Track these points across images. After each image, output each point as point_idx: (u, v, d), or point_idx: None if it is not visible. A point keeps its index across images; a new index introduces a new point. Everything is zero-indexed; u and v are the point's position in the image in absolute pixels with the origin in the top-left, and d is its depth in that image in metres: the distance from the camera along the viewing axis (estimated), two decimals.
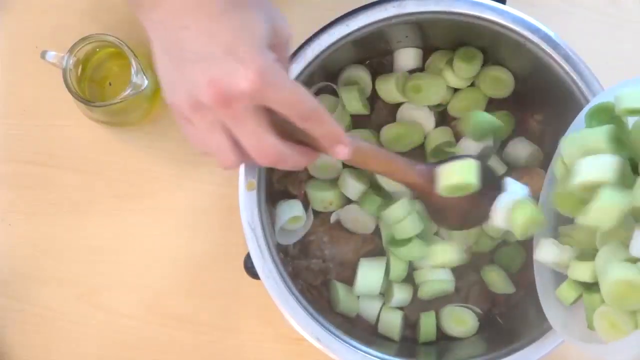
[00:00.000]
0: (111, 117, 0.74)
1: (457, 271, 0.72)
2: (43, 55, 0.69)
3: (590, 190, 0.52)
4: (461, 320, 0.71)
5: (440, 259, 0.69)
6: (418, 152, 0.73)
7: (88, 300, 0.76)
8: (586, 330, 0.55)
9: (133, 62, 0.68)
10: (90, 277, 0.76)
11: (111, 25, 0.77)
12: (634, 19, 0.79)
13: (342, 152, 0.55)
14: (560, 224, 0.61)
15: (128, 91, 0.68)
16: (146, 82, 0.69)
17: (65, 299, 0.76)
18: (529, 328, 0.66)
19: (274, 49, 0.51)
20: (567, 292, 0.58)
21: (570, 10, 0.79)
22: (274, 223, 0.70)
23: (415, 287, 0.72)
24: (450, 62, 0.73)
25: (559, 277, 0.60)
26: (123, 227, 0.77)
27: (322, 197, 0.72)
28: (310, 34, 0.66)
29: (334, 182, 0.73)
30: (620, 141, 0.54)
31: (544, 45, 0.66)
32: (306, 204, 0.73)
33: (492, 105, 0.74)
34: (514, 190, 0.62)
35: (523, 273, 0.72)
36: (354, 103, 0.72)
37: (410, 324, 0.73)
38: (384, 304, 0.72)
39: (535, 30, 0.66)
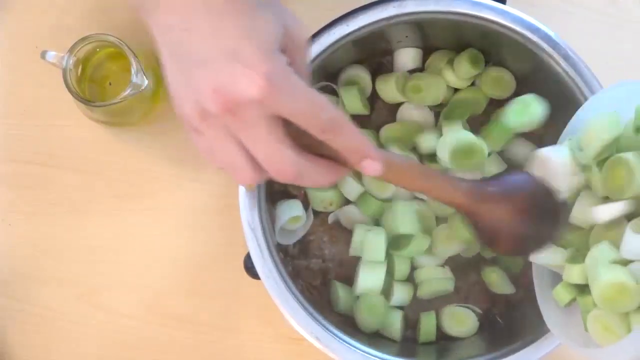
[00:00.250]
0: (111, 117, 0.74)
1: (457, 271, 0.72)
2: (43, 55, 0.69)
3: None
4: (461, 320, 0.71)
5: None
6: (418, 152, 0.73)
7: (88, 300, 0.76)
8: (583, 333, 0.55)
9: (133, 62, 0.68)
10: (90, 277, 0.76)
11: (111, 25, 0.77)
12: (634, 19, 0.79)
13: (372, 167, 0.49)
14: None
15: (128, 91, 0.68)
16: (146, 82, 0.69)
17: (65, 299, 0.76)
18: (528, 328, 0.66)
19: (286, 53, 0.47)
20: (562, 293, 0.57)
21: (570, 10, 0.79)
22: (274, 223, 0.70)
23: (415, 287, 0.72)
24: (450, 62, 0.73)
25: (557, 278, 0.60)
26: (123, 227, 0.77)
27: (322, 197, 0.72)
28: (311, 34, 0.66)
29: None
30: None
31: (544, 45, 0.66)
32: (306, 204, 0.73)
33: (492, 105, 0.74)
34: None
35: (523, 274, 0.72)
36: (354, 103, 0.72)
37: (411, 324, 0.73)
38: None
39: (535, 30, 0.66)
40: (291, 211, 0.70)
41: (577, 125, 0.59)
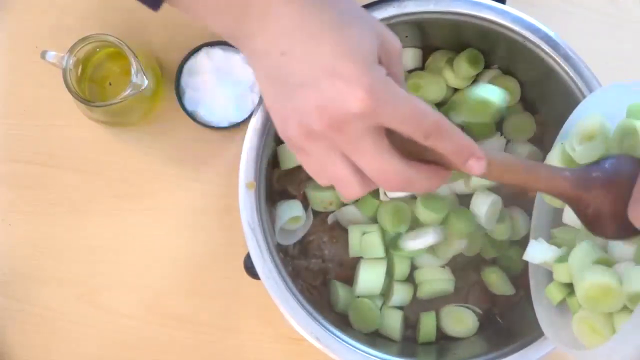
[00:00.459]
0: (111, 117, 0.74)
1: (457, 271, 0.72)
2: (43, 55, 0.69)
3: None
4: (461, 320, 0.71)
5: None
6: None
7: (88, 300, 0.76)
8: (574, 335, 0.55)
9: (133, 62, 0.68)
10: (90, 277, 0.76)
11: (111, 25, 0.77)
12: (634, 19, 0.79)
13: (476, 166, 0.48)
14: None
15: (128, 91, 0.68)
16: (146, 82, 0.69)
17: (65, 299, 0.76)
18: (528, 328, 0.65)
19: (383, 64, 0.47)
20: (554, 292, 0.57)
21: (570, 10, 0.79)
22: (274, 223, 0.70)
23: (415, 287, 0.72)
24: (450, 62, 0.73)
25: (552, 278, 0.60)
26: (123, 227, 0.77)
27: (322, 197, 0.72)
28: None
29: None
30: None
31: (543, 45, 0.66)
32: (306, 204, 0.73)
33: None
34: None
35: (523, 274, 0.71)
36: None
37: (410, 324, 0.73)
38: (384, 303, 0.72)
39: (535, 30, 0.66)
40: (291, 211, 0.70)
41: (570, 128, 0.59)
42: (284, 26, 0.46)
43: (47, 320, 0.76)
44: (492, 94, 0.68)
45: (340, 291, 0.71)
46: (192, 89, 0.74)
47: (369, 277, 0.70)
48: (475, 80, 0.74)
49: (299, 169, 0.73)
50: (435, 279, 0.71)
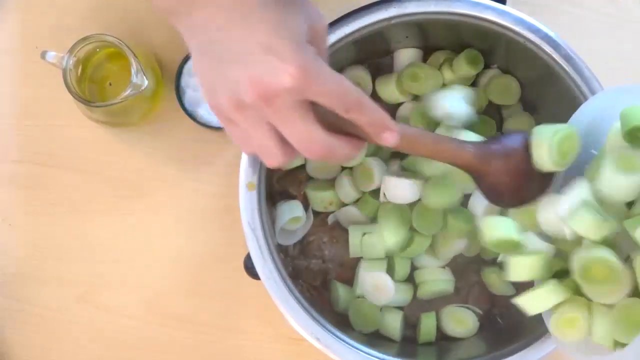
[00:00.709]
0: (111, 117, 0.74)
1: (457, 272, 0.72)
2: (43, 55, 0.69)
3: None
4: (461, 321, 0.71)
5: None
6: None
7: (88, 300, 0.76)
8: (582, 340, 0.55)
9: (133, 62, 0.68)
10: (90, 277, 0.76)
11: (111, 25, 0.77)
12: (634, 19, 0.79)
13: (390, 138, 0.53)
14: None
15: (128, 91, 0.68)
16: (146, 82, 0.69)
17: (65, 299, 0.76)
18: (528, 328, 0.66)
19: (312, 43, 0.50)
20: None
21: (570, 10, 0.79)
22: (274, 223, 0.70)
23: (415, 287, 0.72)
24: (449, 62, 0.73)
25: None
26: (123, 227, 0.77)
27: (322, 198, 0.72)
28: None
29: (333, 182, 0.73)
30: None
31: (544, 46, 0.66)
32: (306, 204, 0.73)
33: (491, 106, 0.74)
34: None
35: None
36: None
37: (410, 324, 0.73)
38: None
39: (536, 31, 0.66)
40: (291, 212, 0.70)
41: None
42: (222, 3, 0.48)
43: (47, 320, 0.76)
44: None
45: (340, 291, 0.71)
46: (192, 89, 0.74)
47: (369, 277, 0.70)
48: (475, 80, 0.74)
49: (299, 169, 0.73)
50: (436, 279, 0.71)
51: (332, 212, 0.73)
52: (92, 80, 0.73)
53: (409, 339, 0.72)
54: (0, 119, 0.78)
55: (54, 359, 0.76)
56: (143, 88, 0.69)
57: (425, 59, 0.75)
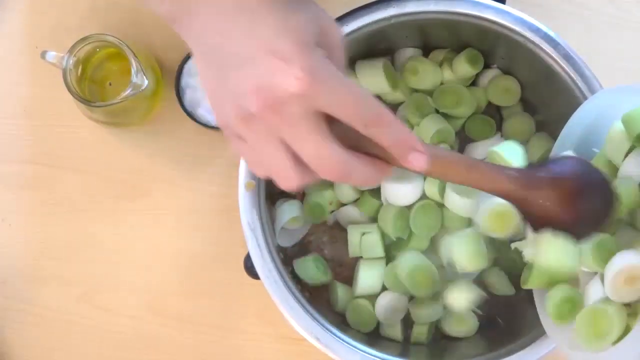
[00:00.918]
0: (111, 117, 0.74)
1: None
2: (43, 55, 0.69)
3: None
4: (461, 321, 0.71)
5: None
6: None
7: (88, 300, 0.76)
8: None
9: (133, 62, 0.68)
10: (90, 277, 0.76)
11: (111, 25, 0.77)
12: (634, 19, 0.79)
13: (418, 161, 0.46)
14: None
15: (128, 91, 0.68)
16: (146, 82, 0.69)
17: (65, 299, 0.76)
18: (528, 328, 0.65)
19: (323, 47, 0.46)
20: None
21: (570, 10, 0.79)
22: (273, 223, 0.70)
23: None
24: (449, 61, 0.73)
25: None
26: (123, 227, 0.77)
27: (322, 197, 0.72)
28: None
29: (332, 182, 0.73)
30: None
31: (544, 45, 0.66)
32: None
33: (491, 107, 0.74)
34: None
35: None
36: None
37: (411, 324, 0.73)
38: None
39: (536, 30, 0.66)
40: (291, 212, 0.70)
41: (570, 132, 0.59)
42: (222, 6, 0.45)
43: (47, 320, 0.76)
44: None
45: (340, 291, 0.71)
46: (192, 89, 0.74)
47: (369, 277, 0.70)
48: (475, 80, 0.74)
49: None
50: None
51: (332, 211, 0.73)
52: (92, 80, 0.73)
53: (410, 339, 0.72)
54: (0, 119, 0.78)
55: (54, 358, 0.76)
56: (143, 88, 0.69)
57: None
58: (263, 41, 0.44)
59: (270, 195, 0.71)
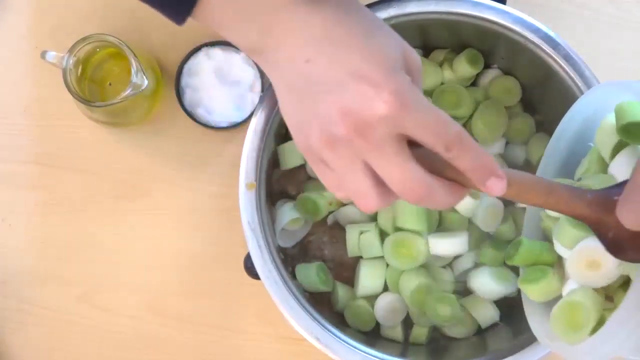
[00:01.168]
0: (111, 117, 0.74)
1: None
2: (43, 55, 0.69)
3: None
4: (461, 321, 0.71)
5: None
6: None
7: (88, 300, 0.76)
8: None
9: (133, 62, 0.68)
10: (90, 277, 0.76)
11: (111, 25, 0.77)
12: (634, 19, 0.79)
13: (497, 186, 0.47)
14: None
15: (128, 91, 0.68)
16: (146, 82, 0.69)
17: (65, 299, 0.76)
18: (528, 328, 0.65)
19: (407, 73, 0.47)
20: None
21: (570, 10, 0.79)
22: (274, 224, 0.70)
23: None
24: (449, 61, 0.73)
25: None
26: (123, 227, 0.77)
27: (322, 197, 0.72)
28: None
29: None
30: None
31: (544, 46, 0.66)
32: None
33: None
34: None
35: None
36: None
37: (411, 325, 0.73)
38: None
39: (536, 30, 0.66)
40: (291, 212, 0.70)
41: (567, 126, 0.59)
42: (309, 36, 0.46)
43: (47, 320, 0.76)
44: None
45: (340, 291, 0.71)
46: (192, 89, 0.74)
47: (370, 277, 0.70)
48: (475, 80, 0.74)
49: (299, 169, 0.73)
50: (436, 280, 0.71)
51: (332, 212, 0.73)
52: (92, 80, 0.73)
53: (409, 339, 0.72)
54: (0, 119, 0.78)
55: (54, 358, 0.76)
56: (143, 88, 0.69)
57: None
58: (351, 66, 0.45)
59: (271, 195, 0.71)
